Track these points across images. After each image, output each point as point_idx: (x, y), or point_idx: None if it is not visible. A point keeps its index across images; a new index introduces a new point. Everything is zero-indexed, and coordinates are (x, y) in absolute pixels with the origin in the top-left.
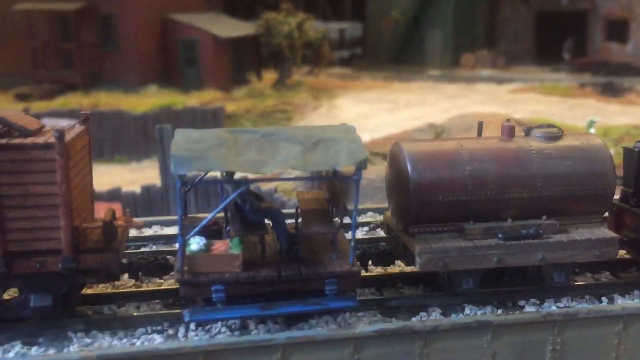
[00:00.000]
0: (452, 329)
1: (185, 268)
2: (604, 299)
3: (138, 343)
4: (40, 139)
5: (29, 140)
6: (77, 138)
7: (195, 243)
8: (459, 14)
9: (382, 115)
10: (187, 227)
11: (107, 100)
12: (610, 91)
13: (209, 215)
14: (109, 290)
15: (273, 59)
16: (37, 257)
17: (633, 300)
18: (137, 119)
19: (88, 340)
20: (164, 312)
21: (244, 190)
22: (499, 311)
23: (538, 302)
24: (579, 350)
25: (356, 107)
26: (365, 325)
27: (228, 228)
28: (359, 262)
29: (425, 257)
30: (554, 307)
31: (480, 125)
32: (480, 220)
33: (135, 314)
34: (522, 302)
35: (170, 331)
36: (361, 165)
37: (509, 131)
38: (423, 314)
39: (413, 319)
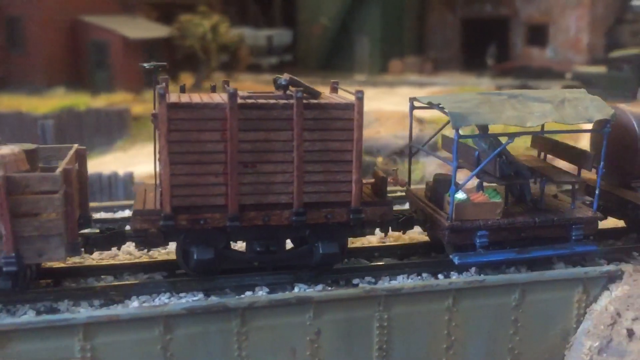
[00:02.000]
0: (270, 305)
1: (453, 215)
2: (440, 276)
3: None
4: (335, 100)
5: (328, 100)
6: None
7: (461, 193)
8: (387, 21)
9: None
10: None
11: (9, 102)
12: None
13: (477, 168)
14: None
15: (187, 62)
16: (327, 208)
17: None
18: (37, 120)
19: None
20: None
21: (510, 142)
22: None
23: (373, 280)
24: (409, 327)
25: None
26: (175, 303)
27: (479, 181)
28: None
29: None
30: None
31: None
32: None
33: None
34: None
35: None
36: (612, 118)
37: None
38: (249, 292)
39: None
